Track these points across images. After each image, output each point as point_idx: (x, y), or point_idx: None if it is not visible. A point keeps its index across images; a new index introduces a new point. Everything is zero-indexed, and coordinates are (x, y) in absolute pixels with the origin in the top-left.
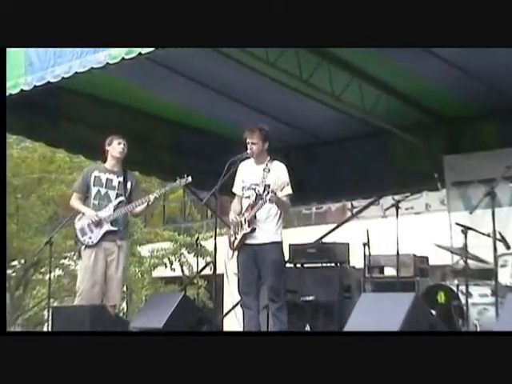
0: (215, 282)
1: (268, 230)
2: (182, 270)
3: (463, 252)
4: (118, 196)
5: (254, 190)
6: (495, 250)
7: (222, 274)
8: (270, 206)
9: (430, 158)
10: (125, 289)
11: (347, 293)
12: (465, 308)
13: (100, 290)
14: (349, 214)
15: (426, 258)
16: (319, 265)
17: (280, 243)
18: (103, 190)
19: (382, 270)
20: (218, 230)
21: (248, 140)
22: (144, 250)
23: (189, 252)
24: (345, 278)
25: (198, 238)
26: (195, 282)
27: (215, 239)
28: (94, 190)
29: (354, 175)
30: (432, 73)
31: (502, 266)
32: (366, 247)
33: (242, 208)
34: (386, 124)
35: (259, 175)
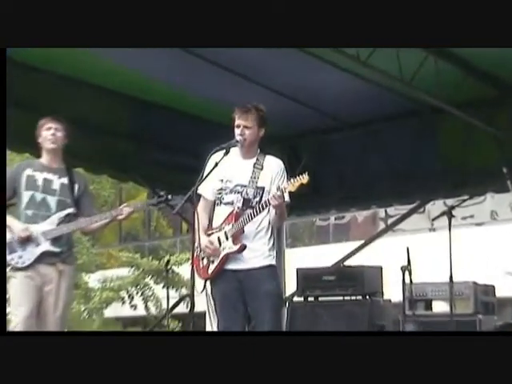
0: (193, 323)
1: (258, 249)
2: (147, 308)
3: None
4: (59, 203)
5: (241, 193)
6: None
7: (204, 313)
8: (261, 216)
9: (497, 146)
10: None
11: None
12: None
13: (33, 325)
14: (382, 225)
15: (492, 288)
16: (340, 298)
17: (275, 268)
18: (39, 196)
19: (429, 305)
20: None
21: (238, 122)
22: (92, 280)
23: (156, 282)
24: (376, 317)
25: (168, 261)
26: (165, 323)
27: (192, 263)
28: (25, 195)
29: (388, 171)
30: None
31: None
32: (407, 272)
33: (211, 218)
34: (433, 99)
35: (247, 173)
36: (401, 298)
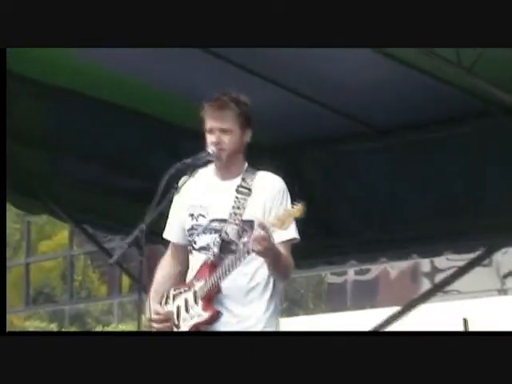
0: None
1: (248, 317)
2: None
3: None
4: None
5: (219, 232)
6: None
7: None
8: (254, 266)
9: None
10: None
11: None
12: None
13: None
14: (427, 284)
15: None
16: None
17: None
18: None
19: None
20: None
21: (211, 125)
22: None
23: None
24: None
25: None
26: None
27: None
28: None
29: (436, 201)
30: None
31: None
32: None
33: (180, 271)
34: (508, 96)
35: (228, 201)
36: None
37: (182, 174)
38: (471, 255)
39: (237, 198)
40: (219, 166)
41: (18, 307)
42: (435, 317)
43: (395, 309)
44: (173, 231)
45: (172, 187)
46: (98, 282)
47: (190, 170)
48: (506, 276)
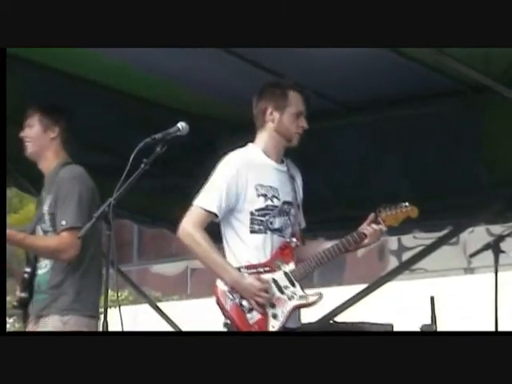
0: None
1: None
2: None
3: None
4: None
5: (288, 215)
6: None
7: None
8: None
9: None
10: None
11: None
12: None
13: None
14: (393, 262)
15: None
16: None
17: None
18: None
19: None
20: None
21: (299, 109)
22: None
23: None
24: None
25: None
26: None
27: (105, 323)
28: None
29: (404, 180)
30: None
31: None
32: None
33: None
34: (476, 73)
35: (288, 184)
36: None
37: (151, 149)
38: (438, 234)
39: (291, 181)
40: (281, 148)
41: None
42: (401, 296)
43: (362, 286)
44: (221, 206)
45: (141, 162)
46: None
47: (160, 145)
48: (472, 255)
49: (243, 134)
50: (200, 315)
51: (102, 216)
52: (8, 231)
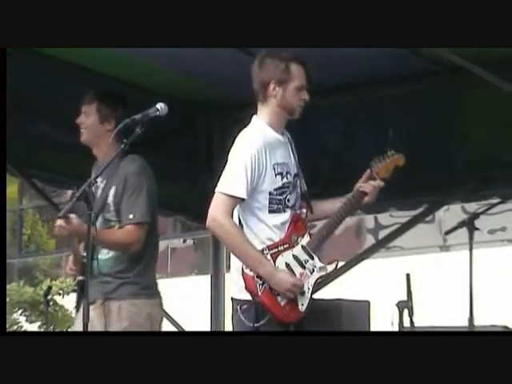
0: None
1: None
2: None
3: None
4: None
5: (297, 187)
6: None
7: None
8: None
9: None
10: None
11: None
12: None
13: None
14: (370, 240)
15: None
16: None
17: None
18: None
19: None
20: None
21: (302, 83)
22: None
23: (29, 318)
24: None
25: (49, 288)
26: None
27: (87, 293)
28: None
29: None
30: None
31: None
32: (406, 310)
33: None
34: (452, 55)
35: (291, 155)
36: None
37: (130, 129)
38: (414, 212)
39: (292, 151)
40: (284, 121)
41: None
42: (378, 273)
43: (340, 264)
44: (248, 189)
45: (121, 142)
46: (47, 236)
47: (139, 125)
48: (447, 232)
49: (220, 114)
50: (181, 294)
51: (82, 196)
52: (78, 225)
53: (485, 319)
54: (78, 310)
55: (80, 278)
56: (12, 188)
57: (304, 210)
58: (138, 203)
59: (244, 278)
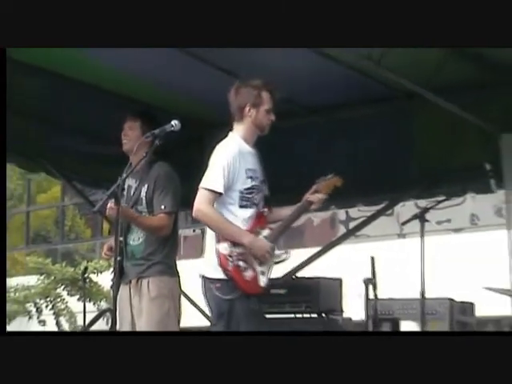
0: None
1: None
2: (58, 324)
3: None
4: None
5: (263, 191)
6: None
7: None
8: None
9: (480, 138)
10: None
11: None
12: None
13: None
14: (342, 230)
15: (471, 306)
16: (291, 315)
17: None
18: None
19: (395, 325)
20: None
21: (270, 106)
22: None
23: (70, 293)
24: None
25: (85, 268)
26: None
27: (116, 271)
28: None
29: (350, 166)
30: None
31: None
32: (371, 286)
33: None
34: (407, 82)
35: (259, 166)
36: (363, 317)
37: (149, 142)
38: (377, 207)
39: (260, 162)
40: (255, 136)
41: (21, 246)
42: (348, 257)
43: (317, 249)
44: (225, 186)
45: (143, 153)
46: (84, 226)
47: (158, 139)
48: (403, 223)
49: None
50: (191, 272)
51: (112, 195)
52: (124, 208)
53: (433, 293)
54: (118, 286)
55: (118, 258)
56: (56, 189)
57: (266, 209)
58: (167, 197)
59: (219, 257)
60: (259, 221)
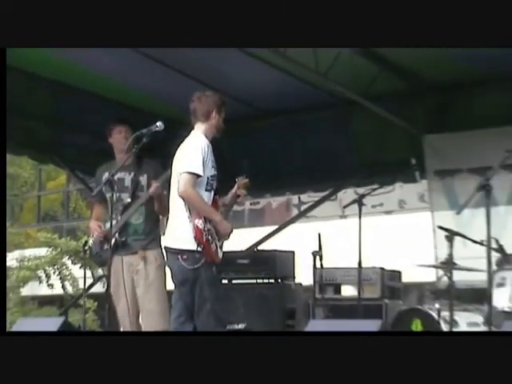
0: (108, 304)
1: None
2: (64, 287)
3: (448, 266)
4: (132, 197)
5: (216, 177)
6: (490, 263)
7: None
8: None
9: (407, 138)
10: None
11: (290, 320)
12: None
13: (130, 318)
14: (295, 211)
15: (399, 274)
16: (253, 281)
17: None
18: (116, 195)
19: (338, 289)
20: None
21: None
22: (10, 259)
23: (73, 262)
24: (288, 300)
25: (86, 242)
26: (81, 303)
27: (110, 245)
28: (108, 198)
29: (303, 160)
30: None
31: (499, 284)
32: (318, 257)
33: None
34: (348, 92)
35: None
36: (311, 282)
37: (138, 140)
38: (324, 193)
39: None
40: (212, 136)
41: (33, 223)
42: (300, 233)
43: (275, 227)
44: (202, 169)
45: (134, 148)
46: (85, 208)
47: (145, 137)
48: (345, 206)
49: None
50: None
51: (107, 183)
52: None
53: (368, 263)
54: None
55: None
56: (62, 177)
57: (217, 196)
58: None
59: (195, 230)
60: (215, 204)
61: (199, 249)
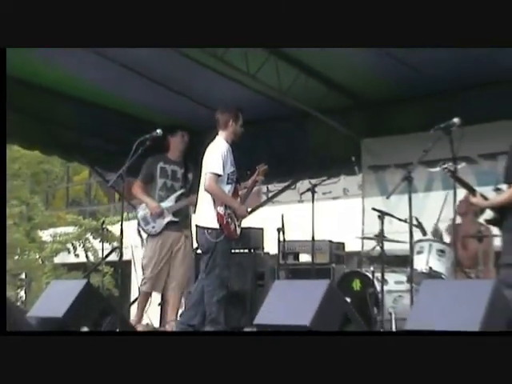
0: (121, 269)
1: None
2: (87, 256)
3: (379, 238)
4: (181, 188)
5: (235, 173)
6: (411, 236)
7: (129, 261)
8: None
9: (348, 141)
10: (23, 276)
11: (261, 280)
12: (380, 295)
13: (164, 279)
14: (264, 198)
15: (342, 245)
16: (234, 251)
17: None
18: (169, 183)
19: (296, 257)
20: (125, 213)
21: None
22: (45, 235)
23: (94, 237)
24: (258, 265)
25: (103, 222)
26: (100, 268)
27: (122, 224)
28: (160, 182)
29: (269, 158)
30: (354, 52)
31: (418, 252)
32: (281, 233)
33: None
34: (304, 106)
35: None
36: (276, 252)
37: (143, 143)
38: (286, 183)
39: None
40: (231, 141)
41: (63, 207)
42: (268, 215)
43: (249, 209)
44: (222, 170)
45: (139, 150)
46: (104, 195)
47: (148, 141)
48: (302, 193)
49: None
50: None
51: (119, 176)
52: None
53: (319, 236)
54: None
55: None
56: (85, 172)
57: (238, 185)
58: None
59: (217, 214)
60: (236, 193)
61: (221, 228)
